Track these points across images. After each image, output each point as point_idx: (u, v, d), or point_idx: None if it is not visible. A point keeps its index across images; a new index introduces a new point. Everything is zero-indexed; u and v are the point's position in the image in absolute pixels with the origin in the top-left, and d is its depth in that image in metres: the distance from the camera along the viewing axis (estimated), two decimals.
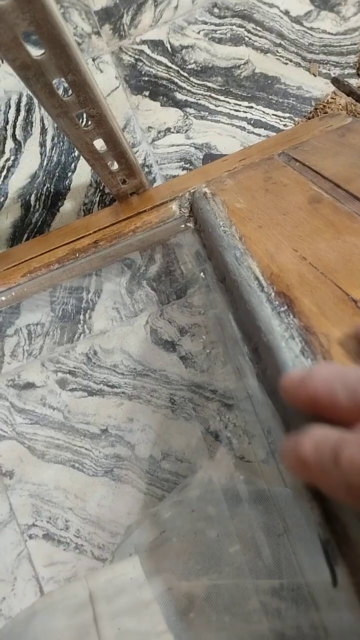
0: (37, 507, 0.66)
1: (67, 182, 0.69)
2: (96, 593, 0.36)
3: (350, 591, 0.21)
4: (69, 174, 0.69)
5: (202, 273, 0.56)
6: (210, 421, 0.65)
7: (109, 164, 0.55)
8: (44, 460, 0.66)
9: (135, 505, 0.65)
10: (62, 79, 0.39)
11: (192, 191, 0.59)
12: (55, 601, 0.37)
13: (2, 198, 0.70)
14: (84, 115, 0.45)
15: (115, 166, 0.56)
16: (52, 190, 0.69)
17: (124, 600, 0.36)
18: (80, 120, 0.46)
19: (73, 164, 0.69)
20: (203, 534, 0.43)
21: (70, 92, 0.42)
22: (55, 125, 0.67)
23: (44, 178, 0.69)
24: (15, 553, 0.66)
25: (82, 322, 0.67)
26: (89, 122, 0.47)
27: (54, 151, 0.69)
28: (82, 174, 0.69)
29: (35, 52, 0.36)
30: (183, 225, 0.59)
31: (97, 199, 0.69)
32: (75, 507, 0.66)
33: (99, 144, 0.51)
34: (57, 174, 0.69)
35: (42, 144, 0.69)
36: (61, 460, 0.66)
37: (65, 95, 0.42)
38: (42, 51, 0.37)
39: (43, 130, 0.70)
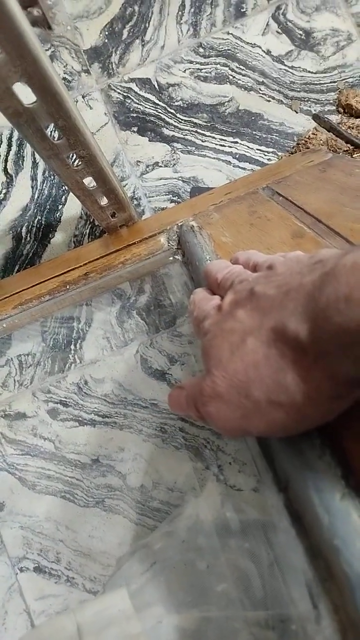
0: (28, 540, 0.66)
1: (57, 215, 0.71)
2: (84, 627, 0.37)
3: (333, 628, 0.22)
4: (60, 206, 0.71)
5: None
6: (200, 450, 0.65)
7: (98, 199, 0.56)
8: (35, 492, 0.66)
9: (127, 536, 0.65)
10: (53, 124, 0.41)
11: (179, 224, 0.61)
12: (43, 635, 0.37)
13: None
14: (74, 156, 0.47)
15: (105, 201, 0.58)
16: (43, 222, 0.71)
17: (112, 634, 0.36)
18: (71, 161, 0.48)
19: (63, 197, 0.71)
20: (193, 565, 0.43)
21: (60, 135, 0.43)
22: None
23: (35, 210, 0.71)
24: (6, 586, 0.66)
25: (72, 352, 0.68)
26: (79, 163, 0.49)
27: (44, 184, 0.71)
28: (73, 206, 0.71)
29: (27, 100, 0.38)
30: (171, 258, 0.61)
31: (87, 230, 0.70)
32: (66, 538, 0.65)
33: (89, 181, 0.52)
34: (48, 206, 0.71)
35: (33, 178, 0.71)
36: (52, 491, 0.66)
37: (56, 139, 0.44)
38: (34, 99, 0.38)
39: (34, 164, 0.72)
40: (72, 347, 0.68)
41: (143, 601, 0.40)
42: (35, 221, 0.71)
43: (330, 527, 0.24)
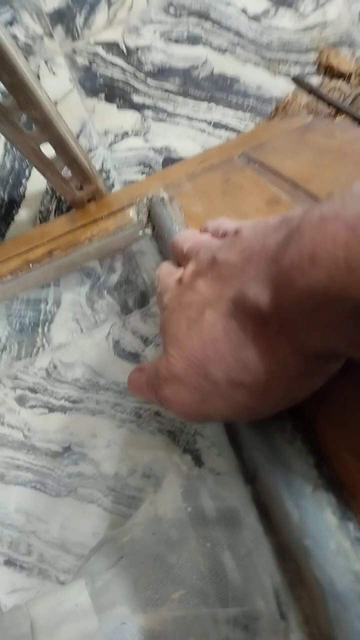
0: None
1: (21, 190, 0.66)
2: (38, 623, 0.33)
3: None
4: (23, 180, 0.66)
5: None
6: (177, 434, 0.62)
7: (60, 170, 0.52)
8: (3, 482, 0.63)
9: (102, 526, 0.62)
10: None
11: (149, 197, 0.57)
12: None
13: None
14: (27, 119, 0.42)
15: (68, 173, 0.53)
16: (5, 198, 0.66)
17: (67, 631, 0.33)
18: (24, 125, 0.43)
19: (27, 170, 0.66)
20: (163, 560, 0.40)
21: (7, 94, 0.39)
22: None
23: None
24: None
25: (40, 335, 0.64)
26: (34, 127, 0.44)
27: (6, 157, 0.66)
28: (37, 181, 0.66)
29: None
30: (141, 232, 0.57)
31: (54, 206, 0.66)
32: (38, 530, 0.62)
33: (48, 150, 0.48)
34: (10, 181, 0.66)
35: None
36: (22, 481, 0.63)
37: (3, 98, 0.39)
38: None
39: None
40: (40, 330, 0.64)
41: (108, 600, 0.37)
42: None
43: (300, 525, 0.21)
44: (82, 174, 0.54)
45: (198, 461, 0.62)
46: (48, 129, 0.45)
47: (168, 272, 0.32)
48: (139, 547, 0.41)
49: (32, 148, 0.47)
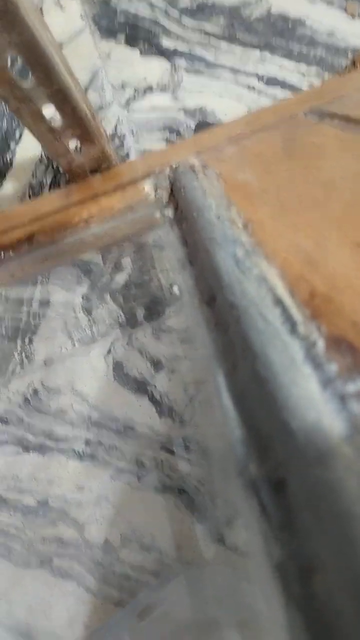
0: None
1: (8, 156, 0.47)
2: None
3: None
4: (12, 144, 0.47)
5: (175, 286, 0.34)
6: (191, 495, 0.42)
7: (44, 111, 0.33)
8: None
9: (82, 612, 0.43)
10: None
11: (174, 166, 0.37)
12: None
13: None
14: None
15: (58, 119, 0.34)
16: None
17: None
18: None
19: (17, 132, 0.47)
20: None
21: None
22: None
23: None
24: None
25: (19, 348, 0.45)
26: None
27: None
28: (30, 146, 0.47)
29: None
30: (158, 214, 0.37)
31: (49, 180, 0.47)
32: None
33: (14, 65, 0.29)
34: None
35: None
36: None
37: None
38: None
39: None
40: (19, 341, 0.45)
41: None
42: None
43: None
44: (79, 125, 0.35)
45: (217, 534, 0.42)
46: (15, 25, 0.26)
47: None
48: None
49: None
